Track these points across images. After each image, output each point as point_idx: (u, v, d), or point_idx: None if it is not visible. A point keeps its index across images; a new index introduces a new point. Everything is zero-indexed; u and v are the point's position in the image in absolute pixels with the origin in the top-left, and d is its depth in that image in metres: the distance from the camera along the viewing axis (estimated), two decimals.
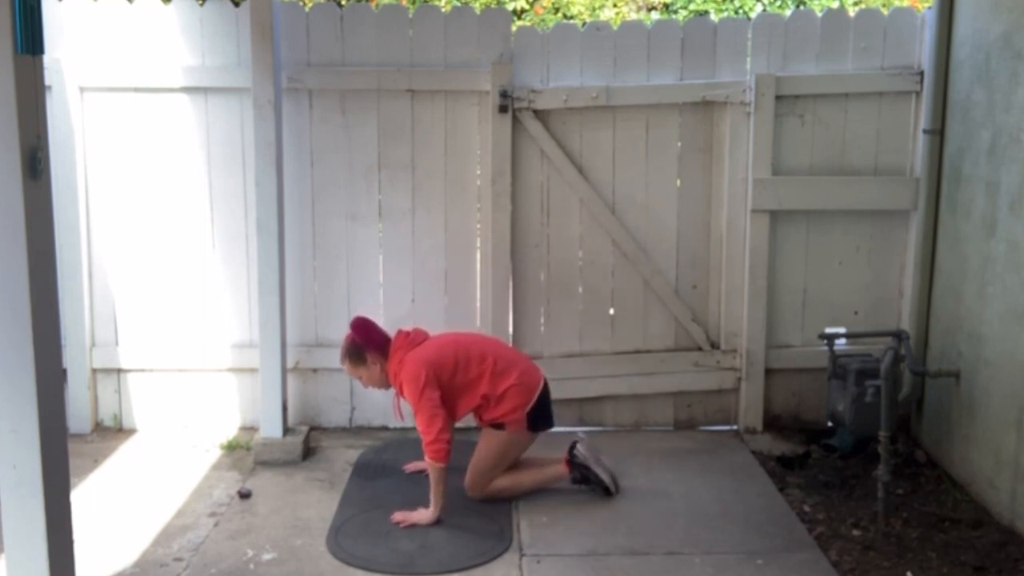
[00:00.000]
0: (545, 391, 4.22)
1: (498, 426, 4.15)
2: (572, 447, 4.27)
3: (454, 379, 4.08)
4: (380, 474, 4.55)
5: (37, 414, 2.47)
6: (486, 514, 4.11)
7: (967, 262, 4.46)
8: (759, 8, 9.91)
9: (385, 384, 4.24)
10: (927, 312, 4.85)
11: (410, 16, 4.89)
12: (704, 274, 5.13)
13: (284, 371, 4.81)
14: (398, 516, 4.03)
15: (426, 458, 3.98)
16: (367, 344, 4.19)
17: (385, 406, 5.05)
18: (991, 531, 4.00)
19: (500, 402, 4.11)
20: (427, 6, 4.97)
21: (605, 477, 4.23)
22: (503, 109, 4.82)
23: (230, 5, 4.85)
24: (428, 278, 5.06)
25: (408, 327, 4.29)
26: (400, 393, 4.18)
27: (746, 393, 5.11)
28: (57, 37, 4.72)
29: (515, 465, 4.27)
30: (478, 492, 4.20)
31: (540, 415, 4.18)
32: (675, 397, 5.17)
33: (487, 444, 4.19)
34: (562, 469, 4.26)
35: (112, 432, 5.05)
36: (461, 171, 4.99)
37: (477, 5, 9.51)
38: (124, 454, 4.81)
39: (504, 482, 4.22)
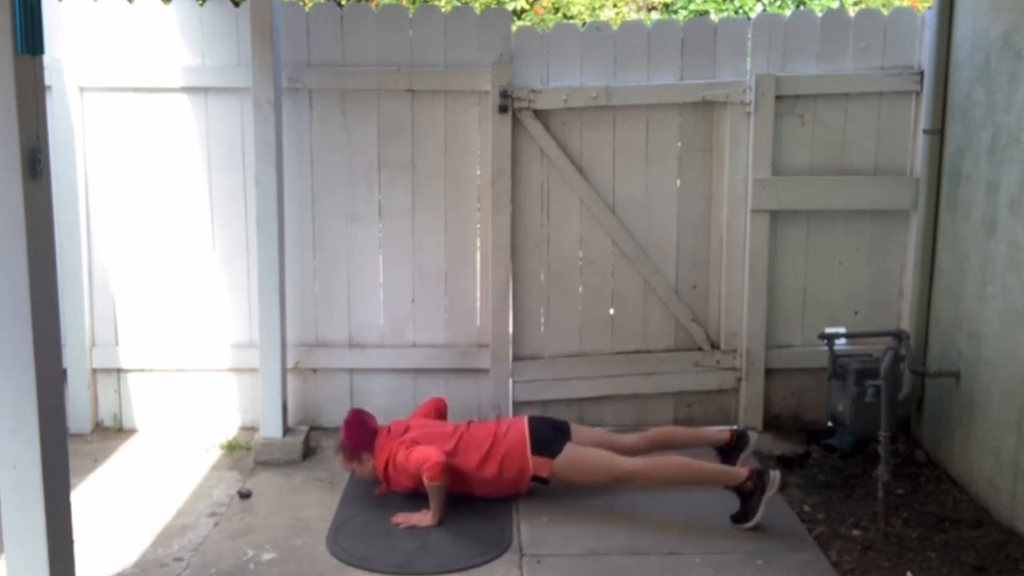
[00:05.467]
0: (534, 427, 4.19)
1: (541, 481, 4.17)
2: (766, 469, 4.11)
3: (453, 459, 4.10)
4: None
5: (37, 414, 2.47)
6: (486, 514, 4.11)
7: (967, 262, 4.46)
8: (759, 8, 9.91)
9: (375, 477, 4.26)
10: (927, 312, 4.85)
11: (410, 16, 4.88)
12: (704, 274, 5.13)
13: (284, 371, 4.81)
14: (399, 518, 4.03)
15: (424, 480, 3.98)
16: (358, 447, 4.24)
17: (385, 406, 5.05)
18: (991, 531, 3.99)
19: (501, 476, 4.12)
20: (427, 6, 4.97)
21: (760, 513, 3.98)
22: (503, 109, 4.82)
23: (230, 5, 4.85)
24: (428, 278, 5.06)
25: (385, 424, 4.34)
26: (388, 485, 4.21)
27: (746, 393, 5.11)
28: (57, 37, 4.72)
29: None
30: (630, 479, 4.13)
31: (542, 440, 4.16)
32: (675, 397, 5.17)
33: (573, 477, 4.17)
34: (742, 472, 4.07)
35: (112, 432, 5.05)
36: (461, 171, 4.99)
37: (477, 5, 9.51)
38: (124, 454, 4.81)
39: (673, 467, 4.12)
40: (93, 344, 5.01)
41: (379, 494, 4.24)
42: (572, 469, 4.14)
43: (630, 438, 4.36)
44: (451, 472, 4.04)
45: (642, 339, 5.15)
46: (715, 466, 4.24)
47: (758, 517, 3.98)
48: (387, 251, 5.06)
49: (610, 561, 3.75)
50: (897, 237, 5.09)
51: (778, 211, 5.00)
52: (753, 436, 4.48)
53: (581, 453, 4.15)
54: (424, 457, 3.99)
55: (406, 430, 4.24)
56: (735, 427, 4.48)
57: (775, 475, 4.04)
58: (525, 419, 4.26)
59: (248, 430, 5.05)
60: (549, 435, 4.19)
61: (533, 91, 4.85)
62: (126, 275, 5.00)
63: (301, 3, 5.11)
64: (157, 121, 4.90)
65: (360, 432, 4.28)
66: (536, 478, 4.16)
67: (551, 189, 5.00)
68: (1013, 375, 4.02)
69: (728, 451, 4.41)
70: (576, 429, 4.29)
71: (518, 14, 9.89)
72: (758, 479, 4.02)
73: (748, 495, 4.02)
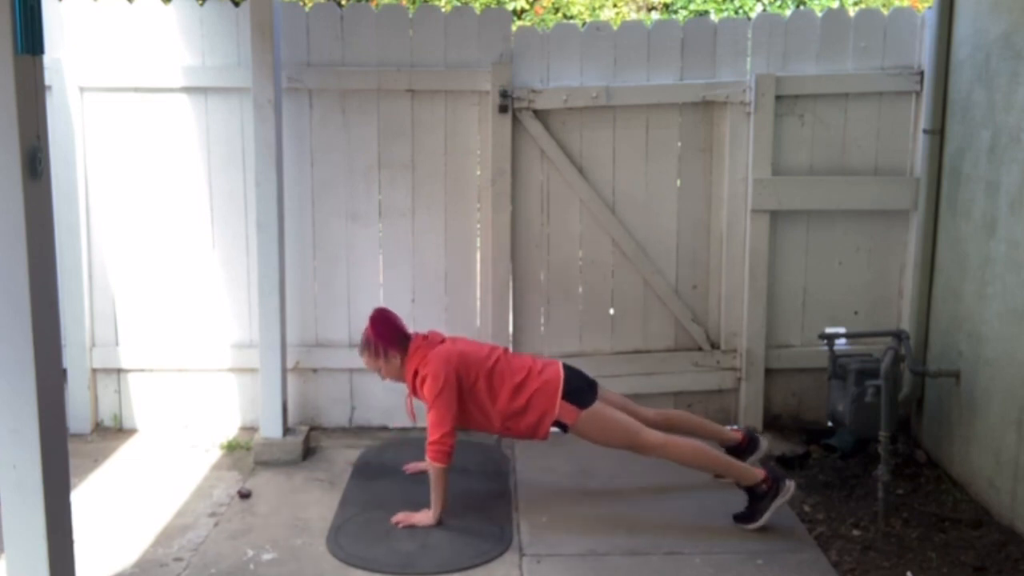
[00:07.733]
0: (569, 375, 4.13)
1: (561, 426, 4.10)
2: (783, 476, 4.10)
3: (475, 386, 4.04)
4: (380, 474, 4.55)
5: (37, 414, 2.46)
6: (486, 514, 4.11)
7: (967, 262, 4.46)
8: (759, 8, 9.91)
9: (403, 378, 4.18)
10: (927, 312, 4.85)
11: (410, 16, 4.89)
12: (704, 274, 5.13)
13: (284, 371, 4.80)
14: (399, 517, 4.02)
15: (427, 457, 3.97)
16: (385, 342, 4.13)
17: (385, 406, 5.06)
18: (991, 531, 4.00)
19: (526, 412, 4.06)
20: (427, 6, 4.97)
21: (765, 517, 3.97)
22: (503, 109, 4.82)
23: (230, 5, 4.85)
24: (428, 278, 5.06)
25: (422, 331, 4.26)
26: (414, 392, 4.13)
27: (746, 393, 5.11)
28: (57, 37, 4.72)
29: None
30: (648, 450, 4.10)
31: (575, 389, 4.08)
32: (675, 397, 5.17)
33: (593, 434, 4.11)
34: (759, 473, 4.05)
35: (112, 432, 5.05)
36: (461, 171, 4.99)
37: (477, 5, 9.51)
38: (124, 454, 4.81)
39: (692, 450, 4.09)
40: (93, 344, 5.01)
41: (409, 410, 4.21)
42: (595, 425, 4.08)
43: (649, 411, 4.33)
44: (475, 403, 4.01)
45: (642, 339, 5.15)
46: (734, 460, 4.21)
47: (763, 521, 3.97)
48: (387, 251, 5.06)
49: (610, 561, 3.75)
50: (897, 237, 5.09)
51: (778, 211, 5.00)
52: (764, 443, 4.47)
53: (608, 413, 4.10)
54: (439, 420, 3.91)
55: (443, 340, 4.17)
56: (750, 429, 4.48)
57: (790, 484, 4.02)
58: (561, 363, 4.19)
59: (248, 430, 5.05)
60: (582, 386, 4.13)
61: (533, 91, 4.85)
62: (126, 275, 5.00)
63: (301, 3, 5.11)
64: (157, 121, 4.90)
65: (388, 327, 4.16)
66: (558, 423, 4.09)
67: (551, 189, 5.00)
68: (1013, 375, 4.02)
69: (738, 452, 4.40)
70: (602, 390, 4.24)
71: (518, 14, 9.89)
72: (773, 483, 4.01)
73: (760, 497, 4.00)
